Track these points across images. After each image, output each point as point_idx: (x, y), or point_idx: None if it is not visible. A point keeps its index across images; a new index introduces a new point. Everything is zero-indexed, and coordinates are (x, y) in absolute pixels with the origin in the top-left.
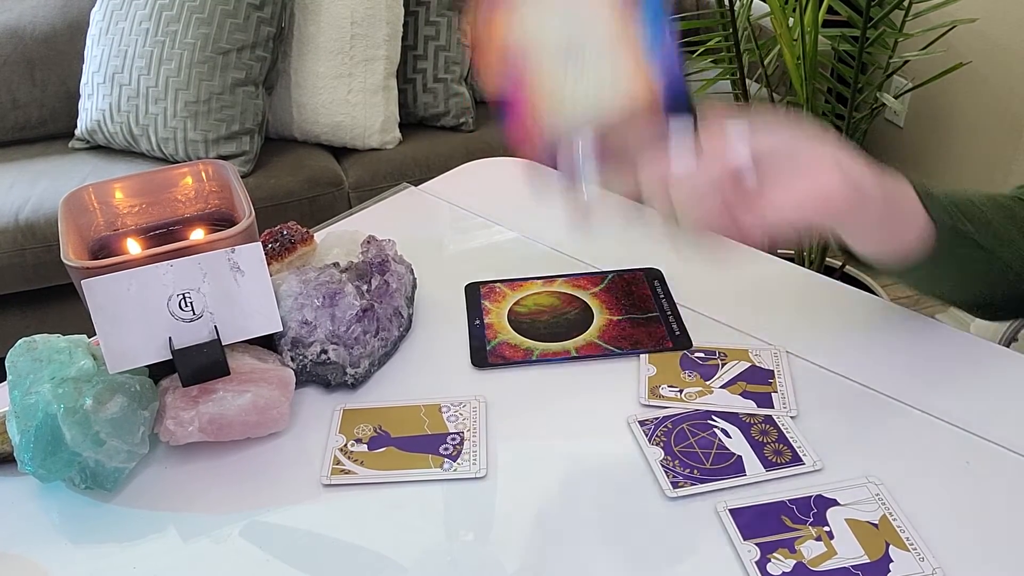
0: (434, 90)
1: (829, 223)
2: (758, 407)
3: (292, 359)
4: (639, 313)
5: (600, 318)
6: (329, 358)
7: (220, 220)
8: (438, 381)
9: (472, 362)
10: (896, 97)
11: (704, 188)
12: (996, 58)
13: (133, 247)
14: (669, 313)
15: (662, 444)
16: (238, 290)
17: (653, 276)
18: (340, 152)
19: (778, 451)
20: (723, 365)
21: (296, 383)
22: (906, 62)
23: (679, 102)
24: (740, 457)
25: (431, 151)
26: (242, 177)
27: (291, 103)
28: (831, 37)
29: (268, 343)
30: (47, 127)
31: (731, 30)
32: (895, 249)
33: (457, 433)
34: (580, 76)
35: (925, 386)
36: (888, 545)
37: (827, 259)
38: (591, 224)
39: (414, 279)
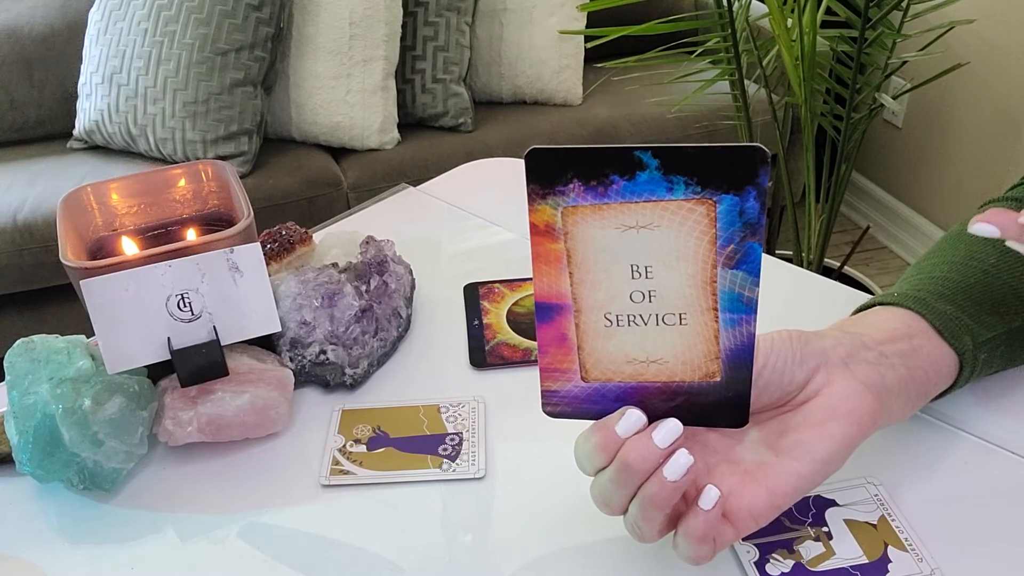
0: (433, 90)
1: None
2: None
3: (291, 359)
4: None
5: None
6: (328, 358)
7: (218, 220)
8: (437, 381)
9: (471, 362)
10: (894, 98)
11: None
12: (994, 59)
13: (131, 247)
14: None
15: None
16: (237, 291)
17: None
18: (339, 152)
19: None
20: None
21: (295, 384)
22: (904, 63)
23: (736, 414)
24: None
25: (430, 151)
26: (241, 177)
27: (290, 103)
28: (829, 38)
29: (267, 343)
30: (45, 127)
31: (729, 31)
32: (929, 398)
33: (456, 433)
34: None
35: None
36: (887, 546)
37: (825, 259)
38: None
39: (413, 279)
